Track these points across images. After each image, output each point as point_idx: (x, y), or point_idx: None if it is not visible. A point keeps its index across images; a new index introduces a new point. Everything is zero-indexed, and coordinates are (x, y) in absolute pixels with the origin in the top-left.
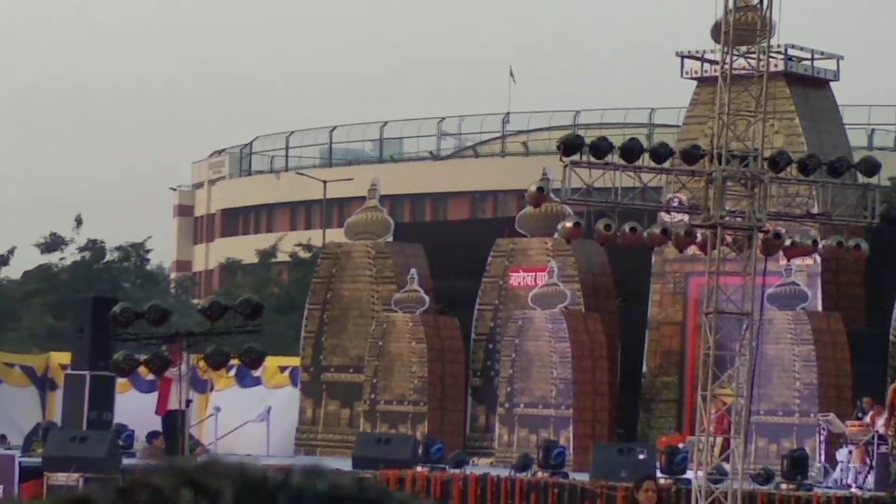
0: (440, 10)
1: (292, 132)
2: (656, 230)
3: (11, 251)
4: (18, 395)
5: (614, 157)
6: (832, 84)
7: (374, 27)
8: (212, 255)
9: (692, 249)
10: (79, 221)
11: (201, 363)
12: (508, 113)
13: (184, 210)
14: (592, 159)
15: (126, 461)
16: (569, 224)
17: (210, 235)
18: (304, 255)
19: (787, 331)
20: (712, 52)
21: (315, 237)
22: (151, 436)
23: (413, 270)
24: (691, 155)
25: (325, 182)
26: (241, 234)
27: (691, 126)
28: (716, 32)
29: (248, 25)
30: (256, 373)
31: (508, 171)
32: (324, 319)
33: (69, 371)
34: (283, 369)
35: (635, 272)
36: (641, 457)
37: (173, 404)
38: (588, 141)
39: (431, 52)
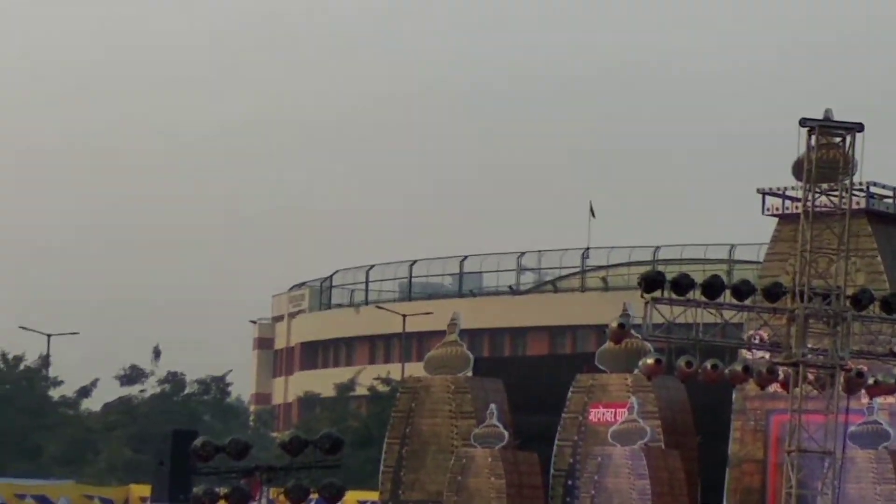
0: (516, 142)
1: (372, 266)
2: (738, 367)
3: (94, 383)
4: None
5: (695, 294)
6: None
7: (452, 162)
8: (291, 388)
9: (774, 387)
10: (157, 353)
11: (281, 497)
12: (588, 248)
13: (264, 343)
14: (674, 296)
15: None
16: (650, 360)
17: (289, 368)
18: (382, 388)
19: (869, 469)
20: (794, 188)
21: (394, 371)
22: None
23: (492, 405)
24: (773, 292)
25: (404, 316)
26: (320, 368)
27: (772, 263)
28: (798, 169)
29: (328, 158)
30: None
31: (588, 307)
32: (402, 454)
33: None
34: (362, 503)
35: (716, 409)
36: None
37: None
38: (669, 277)
39: (512, 186)
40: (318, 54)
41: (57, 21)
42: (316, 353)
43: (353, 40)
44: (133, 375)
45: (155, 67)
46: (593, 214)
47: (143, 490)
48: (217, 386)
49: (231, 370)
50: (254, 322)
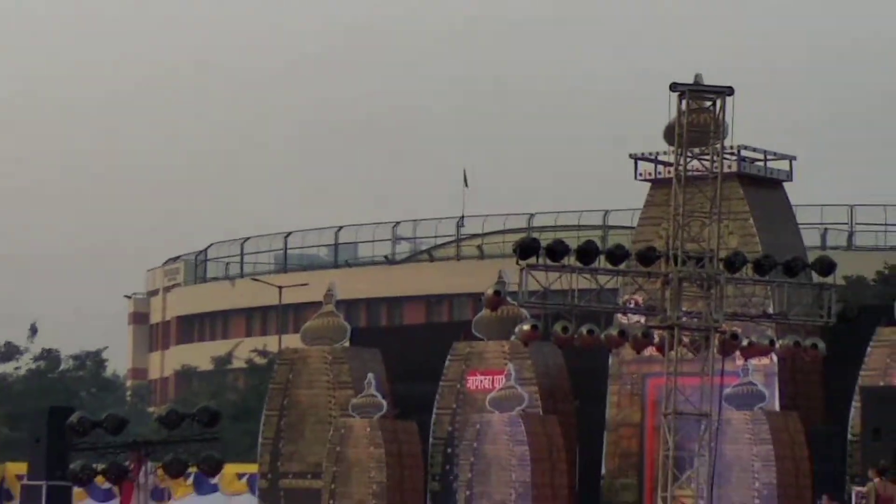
0: (393, 113)
1: (247, 238)
2: (613, 332)
3: None
4: None
5: (570, 260)
6: (785, 184)
7: (327, 131)
8: (167, 362)
9: (649, 351)
10: (34, 330)
11: (160, 472)
12: (463, 216)
13: (139, 318)
14: (549, 262)
15: None
16: (526, 327)
17: (166, 343)
18: (260, 361)
19: (745, 431)
20: (665, 153)
21: (271, 343)
22: None
23: (370, 375)
24: (647, 256)
25: (280, 288)
26: (196, 341)
27: (646, 227)
28: (669, 134)
29: (202, 130)
30: (214, 480)
31: (464, 275)
32: (281, 426)
33: (25, 481)
34: (240, 476)
35: (592, 374)
36: None
37: None
38: (544, 244)
39: (384, 156)
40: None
41: None
42: (192, 327)
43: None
44: (7, 352)
45: None
46: (466, 183)
47: (20, 468)
48: (93, 362)
49: (107, 346)
50: (128, 297)
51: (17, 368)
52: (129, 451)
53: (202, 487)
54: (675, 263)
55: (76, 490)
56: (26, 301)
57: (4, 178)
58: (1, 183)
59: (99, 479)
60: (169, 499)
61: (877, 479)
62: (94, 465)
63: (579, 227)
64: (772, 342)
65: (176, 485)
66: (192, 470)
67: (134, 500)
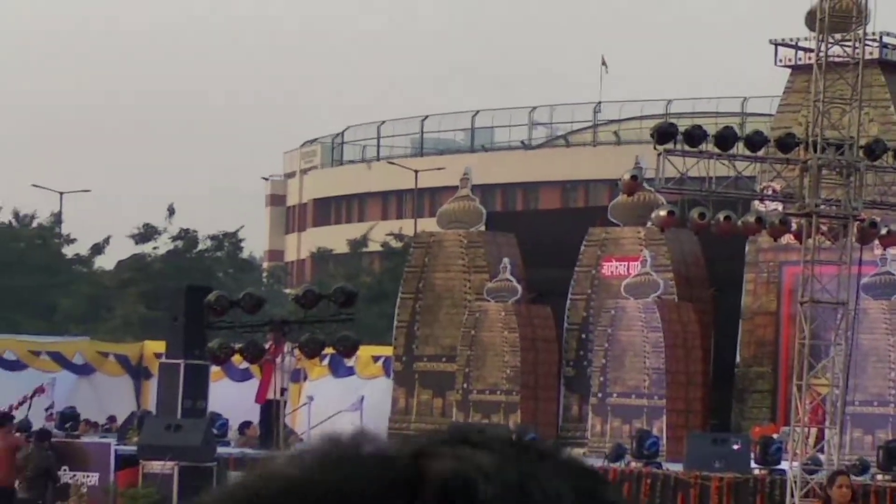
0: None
1: (383, 122)
2: (751, 219)
3: (106, 241)
4: (113, 385)
5: (708, 146)
6: None
7: (464, 15)
8: (304, 244)
9: (786, 238)
10: (171, 211)
11: (296, 351)
12: (600, 102)
13: (276, 200)
14: (686, 148)
15: (221, 450)
16: (662, 213)
17: (302, 225)
18: (395, 244)
19: (882, 320)
20: (806, 39)
21: (406, 227)
22: (244, 426)
23: (505, 260)
24: (786, 143)
25: (416, 172)
26: (332, 224)
27: (785, 115)
28: (810, 20)
29: (341, 16)
30: (350, 363)
31: (600, 161)
32: (416, 309)
33: (163, 360)
34: (375, 359)
35: (729, 262)
36: (736, 447)
37: (272, 393)
38: (682, 129)
39: (522, 40)
40: None
41: None
42: (328, 210)
43: None
44: (146, 233)
45: None
46: (605, 68)
47: (158, 346)
48: (230, 242)
49: (243, 226)
50: (265, 179)
51: (155, 248)
52: (267, 330)
53: (338, 369)
54: (815, 150)
55: (214, 369)
56: (164, 182)
57: (144, 49)
58: (139, 55)
59: (236, 358)
60: (304, 379)
61: None
62: (232, 344)
63: (717, 115)
64: None
65: (311, 365)
66: (329, 351)
67: (274, 380)
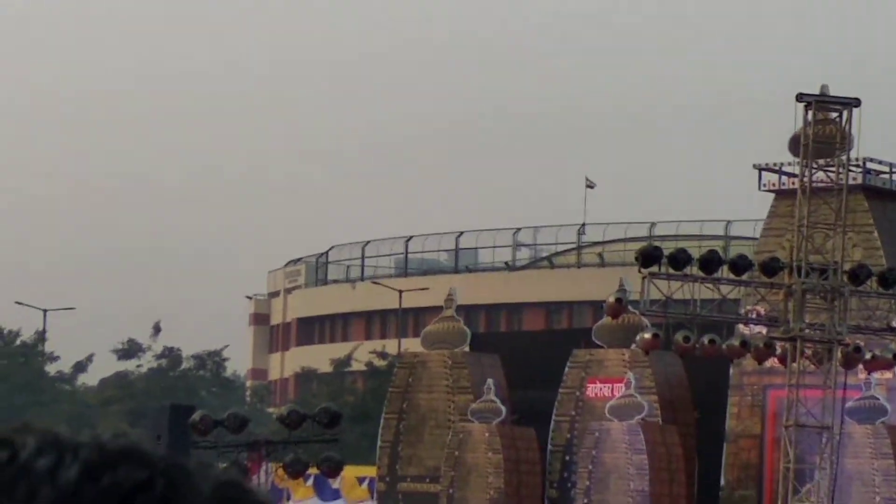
0: (512, 120)
1: (368, 242)
2: (735, 342)
3: (89, 358)
4: None
5: (693, 269)
6: None
7: (448, 139)
8: (287, 363)
9: (771, 362)
10: (157, 329)
11: (280, 471)
12: (584, 224)
13: (260, 319)
14: (671, 271)
15: None
16: (647, 335)
17: (286, 344)
18: (379, 363)
19: (867, 445)
20: (790, 164)
21: (390, 347)
22: None
23: (490, 380)
24: (770, 267)
25: (400, 292)
26: (316, 343)
27: (769, 238)
28: (794, 145)
29: (327, 132)
30: (335, 484)
31: (584, 282)
32: (400, 429)
33: None
34: (360, 481)
35: (713, 385)
36: None
37: None
38: (666, 252)
39: (506, 162)
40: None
41: None
42: (312, 329)
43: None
44: (130, 350)
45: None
46: (591, 186)
47: None
48: (214, 361)
49: (227, 345)
50: (250, 298)
51: (139, 366)
52: (251, 450)
53: (324, 492)
54: (799, 275)
55: None
56: (150, 300)
57: (131, 175)
58: (125, 180)
59: None
60: (288, 499)
61: None
62: (216, 464)
63: (701, 237)
64: (895, 356)
65: (296, 485)
66: (313, 471)
67: None
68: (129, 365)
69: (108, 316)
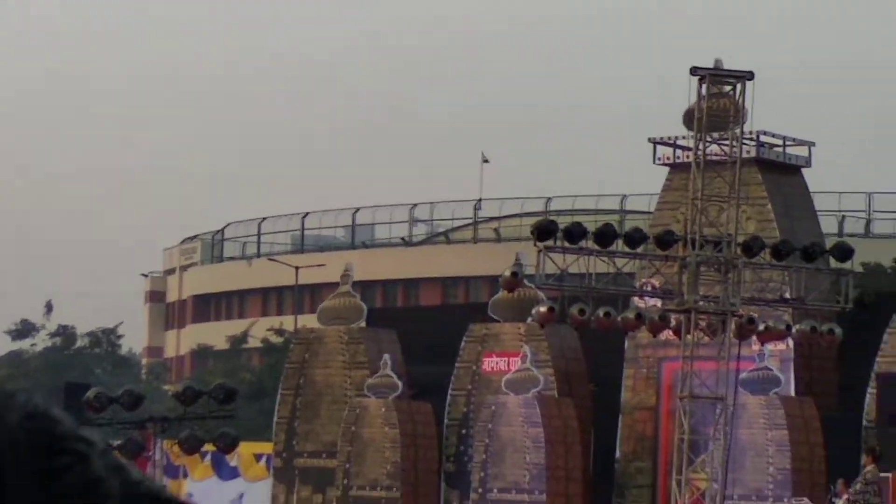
0: (410, 94)
1: (264, 218)
2: (630, 315)
3: None
4: None
5: (588, 243)
6: (804, 170)
7: (344, 112)
8: (183, 341)
9: (665, 334)
10: (49, 308)
11: (175, 448)
12: (480, 199)
13: (155, 296)
14: (566, 244)
15: None
16: (543, 309)
17: (182, 321)
18: (275, 340)
19: (760, 415)
20: (685, 138)
21: (287, 323)
22: None
23: (386, 356)
24: (665, 240)
25: (296, 268)
26: (212, 320)
27: (664, 212)
28: (688, 119)
29: (219, 114)
30: (233, 462)
31: (480, 257)
32: (296, 405)
33: None
34: (258, 458)
35: (608, 357)
36: None
37: None
38: (562, 226)
39: (402, 138)
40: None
41: None
42: (208, 306)
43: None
44: (24, 329)
45: None
46: (486, 161)
47: None
48: (108, 339)
49: (122, 322)
50: (145, 275)
51: (32, 345)
52: (144, 427)
53: (222, 470)
54: (693, 247)
55: None
56: (42, 279)
57: (24, 167)
58: (22, 171)
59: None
60: (185, 477)
61: (871, 466)
62: (111, 441)
63: (596, 212)
64: (788, 327)
65: (192, 462)
66: (209, 448)
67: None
68: (24, 345)
69: (0, 295)
